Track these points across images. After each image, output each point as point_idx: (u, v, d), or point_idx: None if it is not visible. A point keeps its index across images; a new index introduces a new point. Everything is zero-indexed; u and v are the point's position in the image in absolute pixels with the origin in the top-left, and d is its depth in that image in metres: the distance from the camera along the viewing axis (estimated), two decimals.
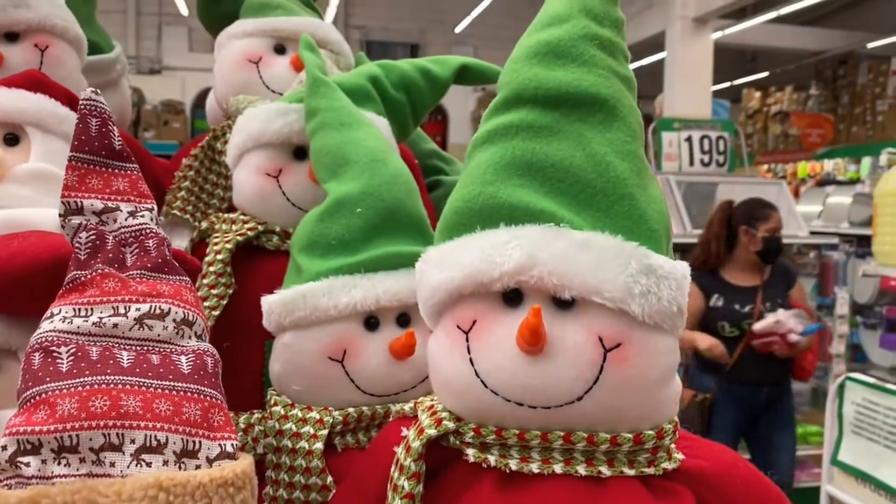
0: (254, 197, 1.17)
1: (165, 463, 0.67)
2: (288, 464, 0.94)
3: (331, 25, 1.44)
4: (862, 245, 5.58)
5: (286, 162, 1.17)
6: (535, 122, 0.74)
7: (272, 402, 1.00)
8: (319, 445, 0.93)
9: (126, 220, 0.81)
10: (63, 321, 0.72)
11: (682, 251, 3.58)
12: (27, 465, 0.64)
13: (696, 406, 3.03)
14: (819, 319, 4.21)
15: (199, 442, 0.69)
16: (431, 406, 0.79)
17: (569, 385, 0.70)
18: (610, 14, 0.78)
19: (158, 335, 0.74)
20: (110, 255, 0.78)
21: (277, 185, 1.16)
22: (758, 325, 2.96)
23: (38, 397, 0.67)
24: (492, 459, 0.73)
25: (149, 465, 0.66)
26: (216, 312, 1.09)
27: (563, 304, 0.71)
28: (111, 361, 0.70)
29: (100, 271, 0.76)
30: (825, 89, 9.13)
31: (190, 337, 0.77)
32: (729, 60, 10.06)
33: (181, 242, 1.25)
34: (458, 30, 11.18)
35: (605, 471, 0.71)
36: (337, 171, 1.03)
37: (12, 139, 1.08)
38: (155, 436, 0.67)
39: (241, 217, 1.18)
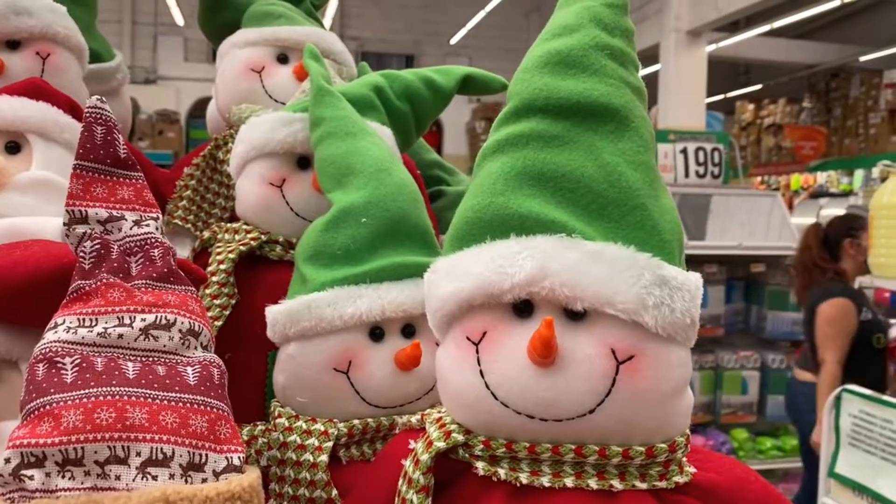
0: (257, 207, 1.16)
1: (172, 476, 0.66)
2: (292, 477, 0.92)
3: (334, 35, 1.44)
4: None
5: (290, 171, 1.16)
6: (545, 132, 0.73)
7: (276, 413, 0.98)
8: (324, 458, 0.91)
9: (131, 229, 0.80)
10: (67, 331, 0.71)
11: None
12: (31, 478, 0.63)
13: None
14: None
15: (206, 455, 0.68)
16: (440, 418, 0.78)
17: (580, 398, 0.69)
18: (620, 24, 0.78)
19: (164, 346, 0.73)
20: (115, 265, 0.77)
21: (281, 195, 1.15)
22: None
23: (42, 409, 0.66)
24: (502, 473, 0.72)
25: (155, 478, 0.65)
26: (219, 323, 1.08)
27: (575, 316, 0.70)
28: (116, 373, 0.69)
29: (104, 281, 0.75)
30: (818, 102, 9.19)
31: (196, 348, 0.76)
32: (722, 73, 10.13)
33: (182, 252, 1.24)
34: (453, 41, 11.22)
35: (617, 484, 0.71)
36: (341, 181, 1.02)
37: (14, 147, 1.07)
38: (161, 448, 0.66)
39: (244, 227, 1.17)
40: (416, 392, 0.99)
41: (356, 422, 0.96)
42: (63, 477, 0.64)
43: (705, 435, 4.00)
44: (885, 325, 3.04)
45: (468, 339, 0.74)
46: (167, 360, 0.73)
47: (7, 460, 0.63)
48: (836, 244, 3.14)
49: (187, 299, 0.78)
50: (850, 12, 9.45)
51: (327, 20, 9.28)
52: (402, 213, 1.00)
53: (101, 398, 0.66)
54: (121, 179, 0.82)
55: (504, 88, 1.26)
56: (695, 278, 0.72)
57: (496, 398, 0.71)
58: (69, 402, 0.66)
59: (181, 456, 0.66)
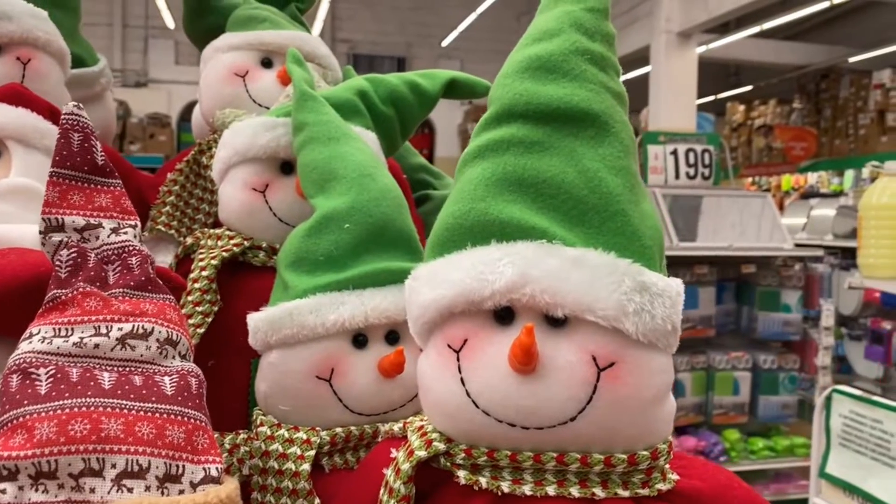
0: (240, 212, 1.15)
1: (147, 488, 0.65)
2: (274, 485, 0.91)
3: (318, 39, 1.43)
4: (846, 257, 5.62)
5: (273, 177, 1.16)
6: (526, 138, 0.73)
7: (258, 422, 0.97)
8: (306, 467, 0.91)
9: (109, 237, 0.79)
10: (42, 342, 0.70)
11: (668, 264, 3.58)
12: (3, 492, 0.62)
13: None
14: None
15: (183, 466, 0.67)
16: (421, 427, 0.78)
17: (562, 405, 0.68)
18: (601, 28, 0.78)
19: (141, 355, 0.72)
20: (92, 273, 0.76)
21: (264, 200, 1.14)
22: None
23: (15, 421, 0.65)
24: (483, 481, 0.72)
25: (130, 490, 0.64)
26: (201, 330, 1.07)
27: (556, 323, 0.70)
28: (92, 383, 0.68)
29: (81, 290, 0.74)
30: (808, 103, 9.23)
31: (174, 357, 0.75)
32: (713, 74, 10.16)
33: (166, 258, 1.23)
34: (444, 43, 11.22)
35: (600, 492, 0.70)
36: (324, 186, 1.02)
37: None
38: (137, 460, 0.65)
39: (227, 233, 1.16)
40: (399, 399, 0.98)
41: (339, 430, 0.95)
42: (37, 490, 0.63)
43: (697, 436, 4.00)
44: None
45: (449, 346, 0.73)
46: (144, 370, 0.72)
47: None
48: None
49: (165, 308, 0.77)
50: (840, 14, 9.49)
51: (318, 23, 9.29)
52: (385, 219, 1.00)
53: (76, 409, 0.66)
54: (98, 187, 0.81)
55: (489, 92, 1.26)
56: (675, 284, 0.72)
57: (477, 406, 0.71)
58: (43, 414, 0.65)
59: (157, 467, 0.66)
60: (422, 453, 0.73)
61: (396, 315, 0.96)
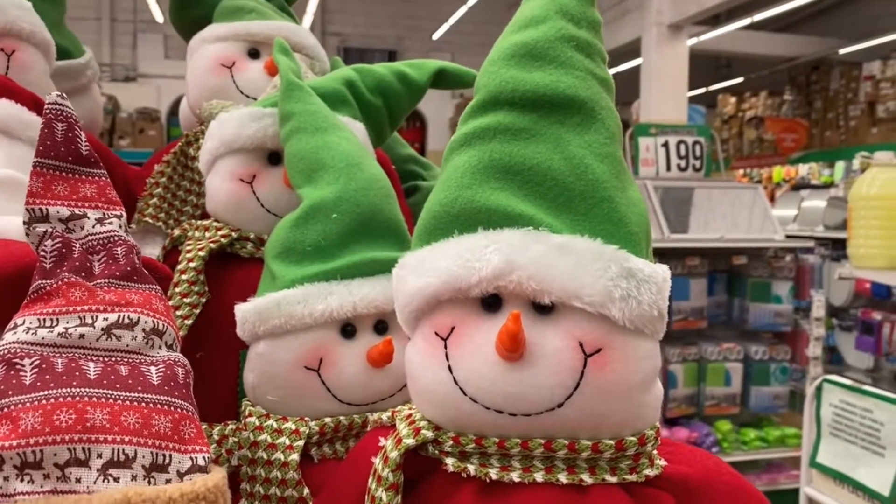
0: (227, 203, 1.15)
1: (134, 478, 0.65)
2: (263, 476, 0.91)
3: (306, 30, 1.42)
4: (837, 248, 5.65)
5: (260, 167, 1.15)
6: (512, 125, 0.73)
7: (246, 412, 0.97)
8: (295, 457, 0.90)
9: (94, 227, 0.78)
10: (27, 332, 0.70)
11: (660, 255, 3.60)
12: None
13: None
14: None
15: (170, 455, 0.67)
16: (409, 415, 0.78)
17: (549, 392, 0.69)
18: (587, 15, 0.78)
19: (127, 346, 0.72)
20: (77, 264, 0.75)
21: (251, 191, 1.14)
22: None
23: (0, 412, 0.64)
24: (471, 468, 0.72)
25: (116, 480, 0.64)
26: (189, 321, 1.07)
27: (543, 310, 0.70)
28: (77, 373, 0.68)
29: (66, 280, 0.73)
30: (799, 94, 9.25)
31: (160, 347, 0.74)
32: (704, 66, 10.17)
33: (153, 250, 1.23)
34: (435, 36, 11.19)
35: (587, 478, 0.70)
36: (312, 177, 1.01)
37: None
38: (123, 450, 0.65)
39: (215, 224, 1.16)
40: (388, 389, 0.98)
41: (328, 420, 0.95)
42: (22, 480, 0.63)
43: (689, 427, 4.02)
44: None
45: (436, 334, 0.73)
46: (130, 360, 0.72)
47: None
48: None
49: (151, 298, 0.76)
50: (830, 5, 9.52)
51: (308, 16, 9.24)
52: (373, 209, 0.99)
53: (61, 399, 0.65)
54: (83, 177, 0.81)
55: None
56: (662, 270, 0.72)
57: (465, 394, 0.71)
58: (28, 404, 0.64)
59: (144, 457, 0.65)
60: (410, 441, 0.73)
61: (385, 305, 0.96)
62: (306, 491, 0.90)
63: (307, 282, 0.95)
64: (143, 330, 0.73)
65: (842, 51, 9.18)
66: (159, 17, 9.59)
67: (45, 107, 0.80)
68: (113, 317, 0.72)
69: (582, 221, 0.70)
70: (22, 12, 1.22)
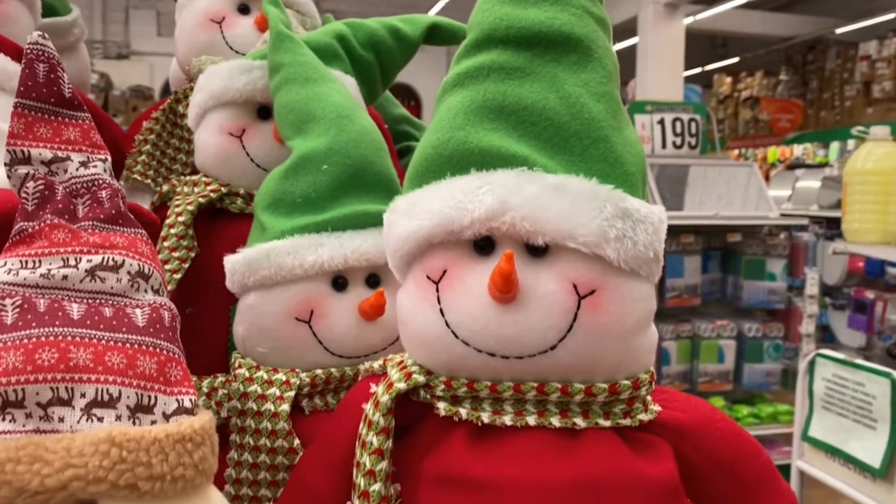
0: (216, 158, 1.13)
1: (118, 418, 0.63)
2: (253, 427, 0.90)
3: None
4: (831, 227, 5.66)
5: (250, 121, 1.13)
6: (506, 64, 0.71)
7: (236, 364, 0.96)
8: (286, 407, 0.89)
9: (77, 170, 0.76)
10: (8, 273, 0.68)
11: None
12: None
13: None
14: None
15: (155, 397, 0.65)
16: (401, 361, 0.77)
17: (542, 334, 0.67)
18: None
19: (112, 288, 0.70)
20: (60, 206, 0.73)
21: (241, 146, 1.12)
22: None
23: None
24: (463, 412, 0.71)
25: (101, 419, 0.62)
26: (178, 275, 1.05)
27: (536, 252, 0.68)
28: (60, 313, 0.66)
29: (48, 222, 0.72)
30: (794, 75, 9.22)
31: (146, 291, 0.73)
32: (700, 46, 10.12)
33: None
34: (430, 13, 11.10)
35: (580, 422, 0.69)
36: (302, 128, 0.99)
37: None
38: (107, 389, 0.63)
39: (204, 179, 1.14)
40: (380, 343, 0.97)
41: (319, 372, 0.94)
42: (3, 420, 0.61)
43: None
44: None
45: (428, 277, 0.72)
46: (115, 303, 0.70)
47: None
48: None
49: (137, 241, 0.75)
50: None
51: None
52: (364, 161, 0.98)
53: (43, 339, 0.63)
54: (66, 120, 0.79)
55: None
56: (658, 211, 0.70)
57: (457, 337, 0.70)
58: (9, 344, 0.63)
59: (128, 397, 0.64)
60: (401, 385, 0.72)
61: (377, 258, 0.94)
62: (297, 441, 0.89)
63: (297, 233, 0.93)
64: (129, 273, 0.71)
65: (838, 30, 9.14)
66: None
67: (26, 47, 0.77)
68: (97, 258, 0.70)
69: (577, 162, 0.69)
70: None
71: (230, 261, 0.96)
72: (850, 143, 8.34)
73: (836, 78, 8.50)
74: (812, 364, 2.99)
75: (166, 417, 0.65)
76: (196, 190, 1.12)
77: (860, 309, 4.97)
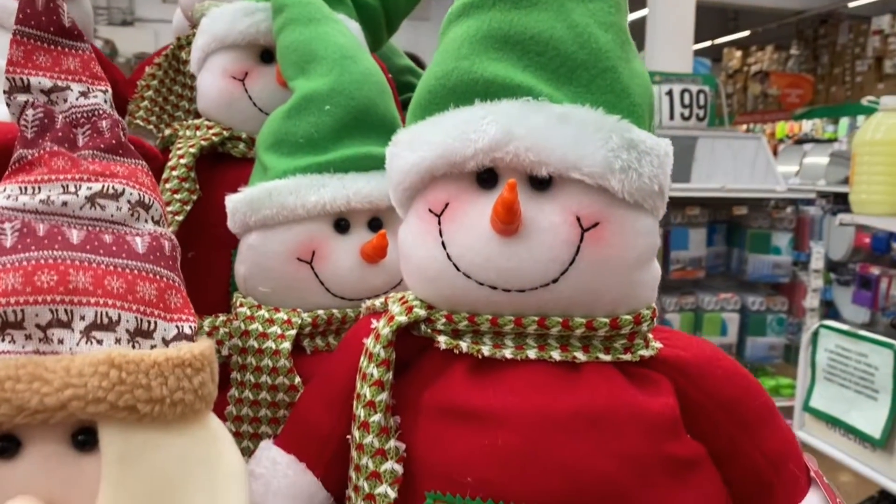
0: (219, 101, 1.12)
1: (118, 341, 0.63)
2: (254, 364, 0.90)
3: None
4: (838, 203, 5.63)
5: (252, 65, 1.12)
6: None
7: (238, 303, 0.96)
8: (287, 345, 0.89)
9: (77, 100, 0.76)
10: (7, 198, 0.68)
11: None
12: None
13: None
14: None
15: (155, 322, 0.65)
16: (402, 297, 0.76)
17: (544, 266, 0.67)
18: None
19: (112, 216, 0.70)
20: (60, 135, 0.73)
21: (243, 89, 1.11)
22: None
23: None
24: (464, 346, 0.71)
25: (100, 342, 0.62)
26: (179, 218, 1.04)
27: (540, 184, 0.68)
28: (59, 238, 0.66)
29: (48, 150, 0.71)
30: (805, 49, 9.11)
31: (146, 221, 0.72)
32: (710, 18, 9.99)
33: None
34: None
35: (581, 356, 0.69)
36: (304, 68, 0.98)
37: None
38: (106, 312, 0.63)
39: (206, 123, 1.13)
40: (382, 286, 0.96)
41: (321, 312, 0.94)
42: (3, 340, 0.61)
43: None
44: None
45: (430, 210, 0.71)
46: (115, 230, 0.70)
47: None
48: None
49: (137, 171, 0.74)
50: None
51: None
52: (367, 103, 0.96)
53: (42, 261, 0.63)
54: (66, 49, 0.78)
55: None
56: (664, 144, 0.69)
57: (458, 270, 0.69)
58: (8, 266, 0.63)
59: (128, 321, 0.64)
60: (402, 318, 0.71)
61: (379, 201, 0.94)
62: (298, 379, 0.89)
63: (299, 173, 0.92)
64: (129, 201, 0.71)
65: (851, 4, 9.01)
66: None
67: None
68: (97, 186, 0.70)
69: (583, 93, 0.68)
70: None
71: (232, 200, 0.95)
72: (860, 118, 8.25)
73: (848, 53, 8.40)
74: (815, 335, 2.98)
75: (166, 343, 0.65)
76: (198, 133, 1.11)
77: (865, 285, 4.96)
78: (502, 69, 0.68)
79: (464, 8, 0.72)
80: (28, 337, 0.61)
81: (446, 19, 0.74)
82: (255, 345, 0.90)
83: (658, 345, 0.72)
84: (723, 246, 4.52)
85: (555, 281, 0.67)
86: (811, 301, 4.74)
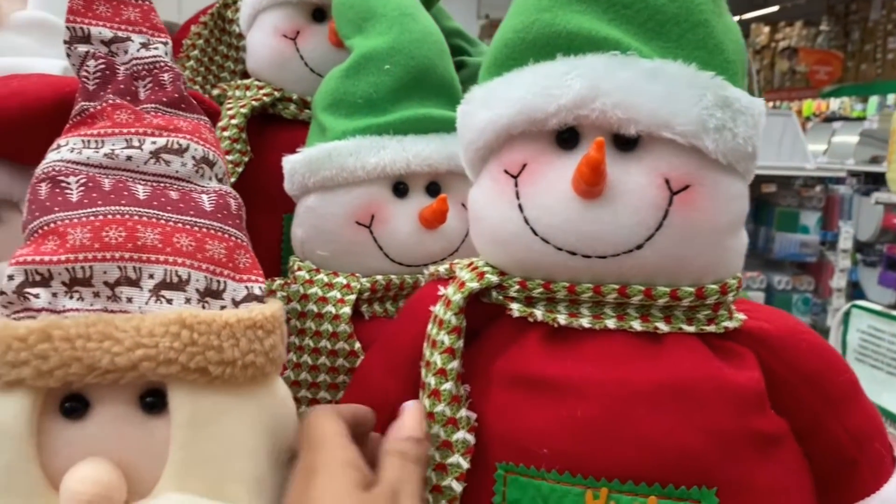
0: (269, 60, 1.08)
1: (188, 301, 0.61)
2: (313, 329, 0.88)
3: None
4: (868, 182, 5.53)
5: (304, 23, 1.08)
6: None
7: (295, 267, 0.94)
8: (347, 310, 0.87)
9: (138, 51, 0.73)
10: (71, 152, 0.65)
11: None
12: (36, 296, 0.58)
13: None
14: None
15: (224, 282, 0.63)
16: (471, 263, 0.73)
17: (628, 231, 0.64)
18: None
19: (177, 172, 0.67)
20: (122, 87, 0.70)
21: (295, 48, 1.07)
22: None
23: (46, 227, 0.60)
24: (538, 314, 0.68)
25: (169, 301, 0.60)
26: (231, 180, 1.02)
27: (626, 144, 0.64)
28: (126, 193, 0.64)
29: (111, 102, 0.68)
30: (836, 25, 8.91)
31: (210, 178, 0.70)
32: None
33: None
34: None
35: (663, 327, 0.66)
36: (362, 26, 0.95)
37: None
38: (176, 271, 0.61)
39: (256, 83, 1.10)
40: (440, 252, 0.94)
41: (379, 278, 0.91)
42: (71, 297, 0.59)
43: None
44: None
45: (506, 171, 0.68)
46: (180, 187, 0.67)
47: (10, 277, 0.58)
48: None
49: (200, 127, 0.71)
50: None
51: None
52: (427, 63, 0.93)
53: (110, 216, 0.61)
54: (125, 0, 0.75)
55: None
56: (759, 103, 0.66)
57: (535, 234, 0.66)
58: (75, 220, 0.60)
59: (197, 280, 0.61)
60: (474, 284, 0.68)
61: (438, 164, 0.91)
62: (357, 345, 0.87)
63: (359, 134, 0.89)
64: (193, 157, 0.68)
65: None
66: None
67: None
68: (161, 141, 0.67)
69: (674, 48, 0.64)
70: None
71: (290, 161, 0.93)
72: (890, 97, 8.09)
73: (880, 29, 8.20)
74: (847, 315, 2.94)
75: (235, 304, 0.63)
76: (248, 94, 1.08)
77: (892, 266, 4.89)
78: (587, 21, 0.64)
79: None
80: (96, 294, 0.59)
81: None
82: (315, 309, 0.88)
83: (742, 316, 0.69)
84: (750, 224, 4.47)
85: (639, 247, 0.64)
86: (838, 281, 4.68)
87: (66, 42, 0.72)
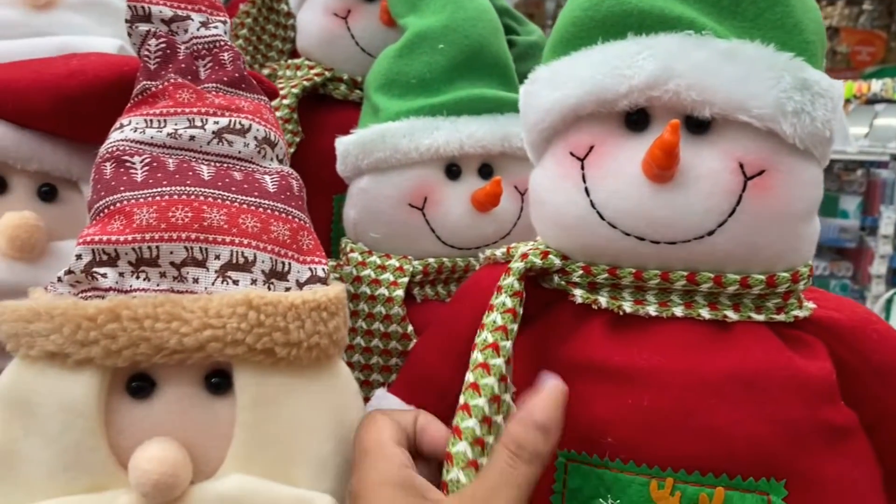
0: (320, 40, 1.07)
1: (254, 282, 0.61)
2: (366, 311, 0.88)
3: None
4: None
5: (355, 2, 1.07)
6: None
7: (348, 249, 0.93)
8: (400, 293, 0.86)
9: (198, 30, 0.72)
10: (135, 131, 0.65)
11: None
12: (104, 276, 0.58)
13: None
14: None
15: (289, 264, 0.63)
16: (532, 247, 0.72)
17: (700, 217, 0.62)
18: None
19: (239, 152, 0.67)
20: (183, 66, 0.70)
21: (346, 28, 1.06)
22: None
23: (112, 207, 0.60)
24: (602, 300, 0.66)
25: (235, 283, 0.60)
26: None
27: (699, 127, 0.62)
28: (190, 173, 0.63)
29: (172, 81, 0.68)
30: (880, 4, 8.67)
31: (272, 159, 0.70)
32: None
33: None
34: None
35: (732, 315, 0.64)
36: (416, 5, 0.93)
37: None
38: (242, 252, 0.60)
39: (307, 62, 1.09)
40: (493, 235, 0.92)
41: (431, 260, 0.91)
42: (137, 277, 0.59)
43: None
44: None
45: (572, 154, 0.66)
46: (243, 168, 0.67)
47: (78, 256, 0.59)
48: None
49: (261, 108, 0.71)
50: None
51: None
52: (482, 42, 0.91)
53: (176, 197, 0.61)
54: None
55: None
56: (838, 86, 0.63)
57: (602, 218, 0.64)
58: (141, 200, 0.60)
59: (263, 262, 0.61)
60: (536, 260, 0.67)
61: (491, 146, 0.90)
62: (410, 327, 0.86)
63: (412, 115, 0.88)
64: (255, 138, 0.68)
65: None
66: None
67: None
68: (224, 121, 0.67)
69: (750, 27, 0.62)
70: None
71: (343, 142, 0.92)
72: None
73: None
74: (889, 302, 2.89)
75: (300, 285, 0.63)
76: (299, 74, 1.07)
77: None
78: (660, 0, 0.62)
79: None
80: (162, 275, 0.59)
81: None
82: (368, 291, 0.88)
83: (812, 305, 0.67)
84: None
85: (710, 233, 0.62)
86: (878, 268, 4.59)
87: (126, 21, 0.71)
